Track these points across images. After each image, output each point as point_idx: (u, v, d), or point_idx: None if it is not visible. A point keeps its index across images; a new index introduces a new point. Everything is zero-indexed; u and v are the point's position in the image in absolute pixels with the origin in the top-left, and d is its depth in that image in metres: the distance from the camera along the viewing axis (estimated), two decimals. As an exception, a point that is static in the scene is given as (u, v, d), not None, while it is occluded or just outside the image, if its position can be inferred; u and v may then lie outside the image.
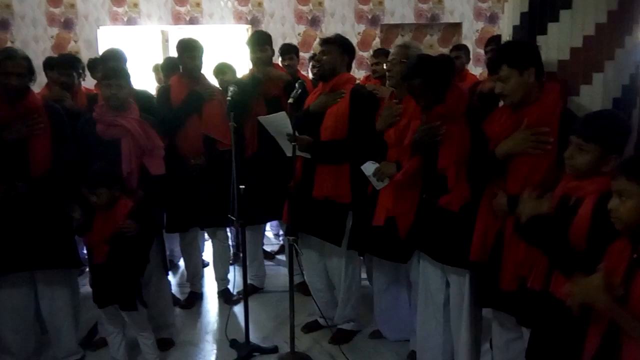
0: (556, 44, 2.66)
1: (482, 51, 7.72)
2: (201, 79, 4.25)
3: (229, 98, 3.67)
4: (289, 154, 3.55)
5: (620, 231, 1.92)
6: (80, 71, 4.56)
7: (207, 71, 4.39)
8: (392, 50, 3.69)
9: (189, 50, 4.16)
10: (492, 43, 4.49)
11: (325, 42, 3.63)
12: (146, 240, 3.37)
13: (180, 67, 4.32)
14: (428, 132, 2.94)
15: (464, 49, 5.53)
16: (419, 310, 3.30)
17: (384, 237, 3.31)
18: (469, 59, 5.61)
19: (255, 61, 4.28)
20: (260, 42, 4.30)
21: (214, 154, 4.16)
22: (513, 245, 2.56)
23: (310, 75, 5.38)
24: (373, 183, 3.37)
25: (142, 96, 3.84)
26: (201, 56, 4.18)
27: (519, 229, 2.41)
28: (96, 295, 3.27)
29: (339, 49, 3.59)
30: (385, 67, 4.27)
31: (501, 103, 2.74)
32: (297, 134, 3.37)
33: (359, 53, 7.68)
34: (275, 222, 5.94)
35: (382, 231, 3.30)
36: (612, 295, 1.83)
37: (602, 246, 1.99)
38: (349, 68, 3.72)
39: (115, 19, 7.50)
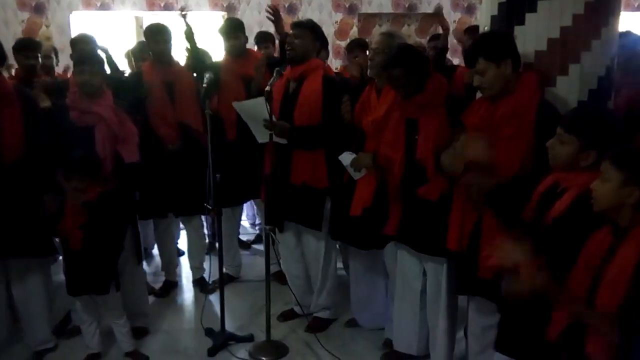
0: (534, 34, 2.67)
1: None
2: (173, 63, 4.19)
3: (204, 85, 3.63)
4: (260, 140, 3.54)
5: (596, 213, 1.95)
6: (53, 56, 4.47)
7: (179, 58, 4.33)
8: (375, 38, 3.67)
9: (156, 34, 4.10)
10: (470, 32, 4.50)
11: (297, 25, 3.59)
12: (120, 226, 3.34)
13: (150, 53, 4.26)
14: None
15: (440, 38, 5.52)
16: (396, 298, 3.32)
17: (361, 227, 3.32)
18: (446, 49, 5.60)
19: (229, 49, 4.24)
20: (233, 29, 4.25)
21: (190, 138, 4.11)
22: (490, 234, 2.58)
23: None
24: (350, 173, 3.37)
25: (116, 82, 3.77)
26: (169, 40, 4.12)
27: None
28: (70, 284, 3.22)
29: (311, 34, 3.56)
30: (357, 59, 4.30)
31: (479, 94, 2.75)
32: (274, 119, 3.35)
33: (336, 42, 7.66)
34: (252, 212, 5.92)
35: (359, 221, 3.30)
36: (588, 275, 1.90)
37: (567, 234, 2.04)
38: (319, 55, 3.70)
39: (88, 4, 7.35)
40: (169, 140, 4.07)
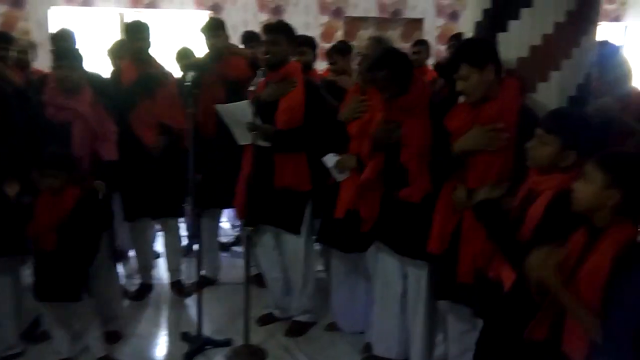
0: (516, 41, 2.69)
1: (443, 48, 7.82)
2: (152, 61, 4.13)
3: (187, 84, 3.59)
4: (241, 142, 3.50)
5: (576, 213, 1.97)
6: (29, 50, 4.41)
7: (166, 57, 4.29)
8: (363, 43, 3.68)
9: (135, 32, 4.04)
10: (455, 39, 4.51)
11: (270, 30, 3.54)
12: (97, 228, 3.26)
13: (129, 50, 4.20)
14: (386, 132, 2.93)
15: (424, 44, 5.53)
16: (377, 301, 3.31)
17: (344, 230, 3.30)
18: (429, 55, 5.62)
19: (210, 47, 4.22)
20: (214, 27, 4.23)
21: (172, 139, 4.06)
22: (470, 238, 2.59)
23: None
24: (334, 175, 3.37)
25: (96, 79, 3.72)
26: (147, 37, 4.06)
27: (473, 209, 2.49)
28: (39, 288, 3.13)
29: (287, 39, 3.54)
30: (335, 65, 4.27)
31: (462, 99, 2.75)
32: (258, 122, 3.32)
33: (322, 44, 7.64)
34: (232, 213, 5.87)
35: (343, 224, 3.28)
36: (562, 275, 1.89)
37: (548, 238, 2.03)
38: (293, 55, 3.69)
39: (70, -1, 7.27)
40: (148, 141, 4.00)
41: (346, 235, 3.35)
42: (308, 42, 4.56)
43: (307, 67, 3.85)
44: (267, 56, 3.49)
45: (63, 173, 3.03)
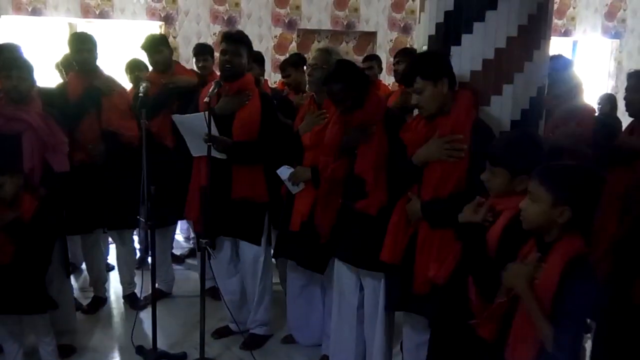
0: (469, 54, 2.73)
1: (395, 61, 7.94)
2: (98, 72, 4.06)
3: (140, 95, 3.54)
4: (195, 153, 3.48)
5: (526, 230, 2.00)
6: None
7: (118, 67, 4.23)
8: (312, 54, 3.68)
9: (79, 43, 3.96)
10: (400, 55, 4.58)
11: (232, 40, 3.50)
12: (50, 239, 3.20)
13: (74, 62, 4.12)
14: (360, 135, 2.96)
15: (376, 59, 5.56)
16: (333, 313, 3.31)
17: (300, 243, 3.30)
18: (381, 69, 5.69)
19: (153, 64, 4.23)
20: (155, 43, 4.23)
21: (115, 147, 3.98)
22: (425, 250, 2.62)
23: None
24: (288, 187, 3.36)
25: (46, 93, 3.64)
26: (94, 49, 3.99)
27: (436, 222, 2.55)
28: None
29: (247, 50, 3.53)
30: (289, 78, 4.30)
31: (416, 112, 2.79)
32: (215, 134, 3.28)
33: (275, 56, 7.66)
34: (185, 226, 5.80)
35: (299, 236, 3.28)
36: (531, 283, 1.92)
37: (509, 255, 2.06)
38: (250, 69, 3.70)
39: (18, 8, 7.06)
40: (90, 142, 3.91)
41: (303, 249, 3.34)
42: (257, 58, 4.58)
43: (256, 82, 3.84)
44: (228, 66, 3.45)
45: (9, 178, 2.96)
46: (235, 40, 3.51)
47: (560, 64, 3.46)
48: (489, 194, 2.30)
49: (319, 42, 7.99)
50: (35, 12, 7.09)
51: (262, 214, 3.58)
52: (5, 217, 2.98)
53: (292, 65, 4.44)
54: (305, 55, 5.35)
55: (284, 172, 3.38)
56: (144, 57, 4.50)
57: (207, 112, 3.18)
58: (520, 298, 1.94)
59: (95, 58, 4.01)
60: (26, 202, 3.03)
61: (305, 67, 4.39)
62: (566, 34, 8.49)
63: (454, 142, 2.53)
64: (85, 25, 7.00)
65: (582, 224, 1.93)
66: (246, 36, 3.62)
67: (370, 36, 8.13)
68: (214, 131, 3.26)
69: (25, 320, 3.15)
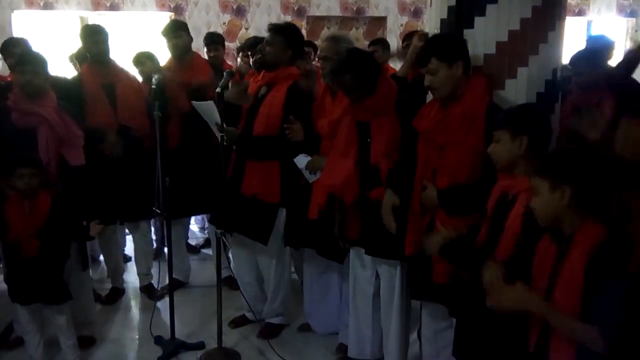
0: (482, 38, 2.70)
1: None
2: (111, 64, 4.07)
3: (153, 87, 3.54)
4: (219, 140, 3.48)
5: (543, 228, 1.97)
6: None
7: (127, 59, 4.23)
8: (321, 45, 3.64)
9: (92, 35, 3.97)
10: (409, 38, 4.53)
11: (272, 30, 3.50)
12: (70, 232, 3.24)
13: (88, 54, 4.13)
14: None
15: (380, 42, 5.50)
16: (350, 301, 3.31)
17: (319, 232, 3.28)
18: (388, 53, 5.64)
19: (172, 49, 4.19)
20: (174, 28, 4.19)
21: (130, 140, 4.00)
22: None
23: (235, 65, 5.29)
24: (306, 176, 3.34)
25: (60, 83, 3.65)
26: (106, 40, 3.99)
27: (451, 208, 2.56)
28: (20, 292, 3.10)
29: (284, 42, 3.47)
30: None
31: (429, 97, 2.77)
32: (224, 124, 3.28)
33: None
34: (200, 216, 5.82)
35: (317, 225, 3.26)
36: (541, 295, 1.89)
37: (532, 243, 2.03)
38: (293, 61, 3.58)
39: (30, 3, 7.10)
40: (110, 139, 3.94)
41: (321, 237, 3.32)
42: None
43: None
44: (259, 56, 3.48)
45: (37, 172, 3.01)
46: (273, 30, 3.51)
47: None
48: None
49: (328, 28, 7.94)
50: (47, 6, 7.14)
51: (272, 214, 3.52)
52: None
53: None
54: (316, 42, 5.32)
55: (301, 160, 3.35)
56: (154, 50, 4.51)
57: (215, 101, 3.18)
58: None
59: (107, 49, 4.02)
60: (42, 197, 3.06)
61: (312, 55, 4.37)
62: (580, 13, 8.36)
63: None
64: (96, 18, 7.03)
65: (592, 205, 1.88)
66: (289, 29, 3.58)
67: (381, 21, 8.06)
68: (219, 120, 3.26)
69: (46, 311, 3.19)
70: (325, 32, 7.89)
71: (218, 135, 3.36)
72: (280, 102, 3.41)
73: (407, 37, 4.62)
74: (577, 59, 3.56)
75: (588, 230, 1.85)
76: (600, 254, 1.78)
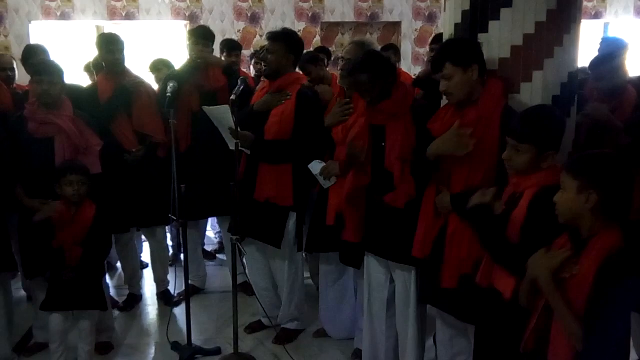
0: (497, 42, 2.68)
1: (421, 50, 7.86)
2: (126, 73, 4.09)
3: (168, 94, 3.57)
4: (232, 147, 3.50)
5: (562, 224, 1.96)
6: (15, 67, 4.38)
7: (143, 68, 4.26)
8: (346, 48, 3.66)
9: (108, 44, 4.00)
10: (437, 41, 4.51)
11: (271, 38, 3.54)
12: (108, 242, 3.37)
13: (104, 64, 4.17)
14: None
15: (392, 48, 5.50)
16: (365, 307, 3.29)
17: (337, 236, 3.27)
18: (399, 59, 5.63)
19: (196, 55, 4.16)
20: (205, 36, 4.18)
21: (149, 147, 4.05)
22: (455, 243, 2.58)
23: (252, 73, 5.31)
24: (320, 182, 3.35)
25: (76, 92, 3.69)
26: (122, 49, 4.02)
27: (464, 213, 2.46)
28: (60, 299, 3.14)
29: (284, 48, 3.49)
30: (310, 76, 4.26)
31: (444, 101, 2.76)
32: (239, 129, 3.30)
33: (301, 51, 7.66)
34: (216, 221, 5.84)
35: (335, 230, 3.26)
36: (556, 276, 1.88)
37: (536, 238, 2.04)
38: (295, 66, 3.64)
39: (47, 13, 7.19)
40: (129, 147, 3.98)
41: (339, 241, 3.30)
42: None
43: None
44: (265, 64, 3.49)
45: (86, 180, 3.10)
46: (271, 38, 3.53)
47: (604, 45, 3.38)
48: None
49: (342, 34, 7.96)
50: (63, 16, 7.23)
51: (284, 217, 3.54)
52: (37, 216, 3.08)
53: (309, 62, 4.39)
54: (330, 49, 5.33)
55: (316, 166, 3.36)
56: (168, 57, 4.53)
57: (230, 107, 3.20)
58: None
59: (123, 59, 4.05)
60: (87, 205, 3.12)
61: (325, 62, 4.38)
62: (597, 16, 8.28)
63: (463, 136, 2.48)
64: (112, 27, 7.10)
65: (615, 212, 1.87)
66: (288, 35, 3.59)
67: (395, 26, 8.06)
68: (232, 125, 3.27)
69: (77, 318, 3.23)
70: (339, 38, 7.92)
71: (228, 140, 3.38)
72: (292, 107, 3.44)
73: (435, 40, 4.61)
74: (597, 63, 3.52)
75: (606, 236, 1.85)
76: (613, 262, 1.78)
